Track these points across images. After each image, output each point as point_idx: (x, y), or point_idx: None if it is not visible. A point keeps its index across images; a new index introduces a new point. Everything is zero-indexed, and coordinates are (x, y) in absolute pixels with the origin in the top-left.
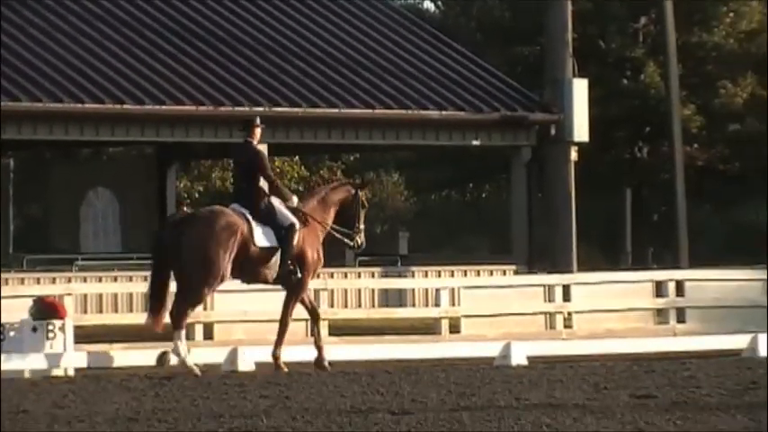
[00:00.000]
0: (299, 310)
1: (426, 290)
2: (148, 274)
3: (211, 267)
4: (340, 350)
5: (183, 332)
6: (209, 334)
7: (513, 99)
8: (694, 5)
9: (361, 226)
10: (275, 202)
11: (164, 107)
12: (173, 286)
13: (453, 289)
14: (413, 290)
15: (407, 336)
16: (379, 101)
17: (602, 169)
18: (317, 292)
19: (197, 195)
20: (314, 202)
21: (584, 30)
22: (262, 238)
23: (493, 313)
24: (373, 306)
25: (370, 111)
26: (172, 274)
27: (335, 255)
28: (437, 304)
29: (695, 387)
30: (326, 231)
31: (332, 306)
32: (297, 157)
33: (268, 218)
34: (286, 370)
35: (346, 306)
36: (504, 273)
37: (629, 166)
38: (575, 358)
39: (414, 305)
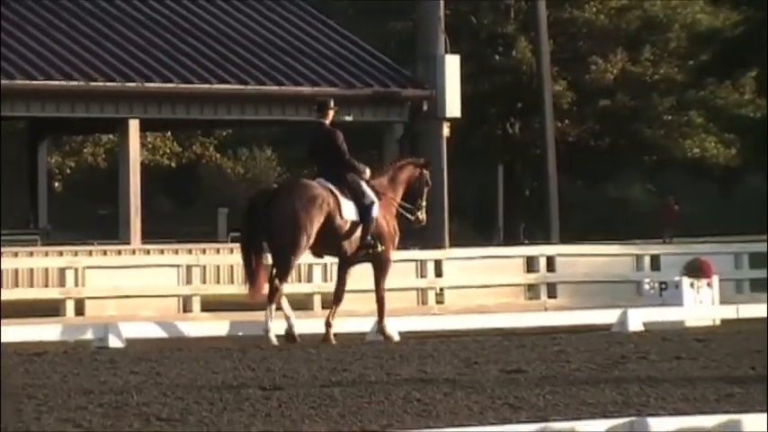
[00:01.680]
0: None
1: (299, 265)
2: (235, 246)
3: (299, 237)
4: (212, 326)
5: (274, 306)
6: (80, 310)
7: (386, 75)
8: None
9: (423, 203)
10: (358, 178)
11: (35, 82)
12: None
13: (325, 264)
14: None
15: (279, 311)
16: (251, 76)
17: (475, 145)
18: (189, 268)
19: (68, 171)
20: (385, 179)
21: (456, 6)
22: (348, 211)
23: (364, 289)
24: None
25: (243, 86)
26: (264, 244)
27: (209, 232)
28: (309, 280)
29: (565, 361)
30: (396, 208)
31: (204, 282)
32: (169, 133)
33: (353, 193)
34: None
35: (218, 282)
36: None
37: (502, 141)
38: (446, 333)
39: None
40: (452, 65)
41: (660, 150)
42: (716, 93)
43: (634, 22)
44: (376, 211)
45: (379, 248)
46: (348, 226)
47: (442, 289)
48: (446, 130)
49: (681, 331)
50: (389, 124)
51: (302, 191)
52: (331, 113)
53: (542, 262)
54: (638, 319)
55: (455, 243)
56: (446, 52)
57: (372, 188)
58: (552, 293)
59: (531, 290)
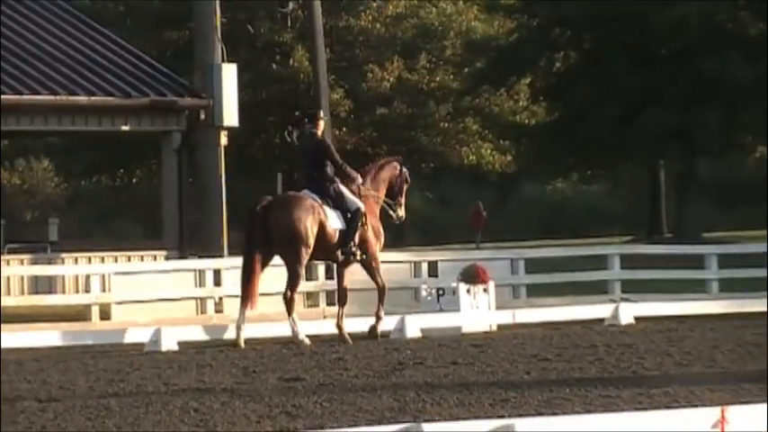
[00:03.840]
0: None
1: (77, 276)
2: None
3: (300, 249)
4: None
5: (295, 315)
6: None
7: (163, 84)
8: None
9: (403, 200)
10: (341, 186)
11: None
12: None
13: (104, 275)
14: (63, 277)
15: (57, 323)
16: (26, 86)
17: (254, 153)
18: None
19: None
20: (369, 179)
21: (233, 14)
22: (334, 220)
23: (144, 299)
24: (23, 293)
25: (17, 96)
26: (261, 257)
27: None
28: (87, 291)
29: (343, 369)
30: (380, 206)
31: None
32: None
33: (337, 202)
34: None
35: None
36: (156, 258)
37: (280, 150)
38: (225, 342)
39: (64, 292)
40: (229, 73)
41: (437, 158)
42: (491, 100)
43: (410, 31)
44: (361, 219)
45: (358, 256)
46: (337, 235)
47: (221, 298)
48: (224, 139)
49: (458, 337)
50: (167, 133)
51: (296, 203)
52: (322, 123)
53: (321, 270)
54: (415, 325)
55: (234, 252)
56: (223, 61)
57: (355, 192)
58: (331, 301)
59: (310, 297)
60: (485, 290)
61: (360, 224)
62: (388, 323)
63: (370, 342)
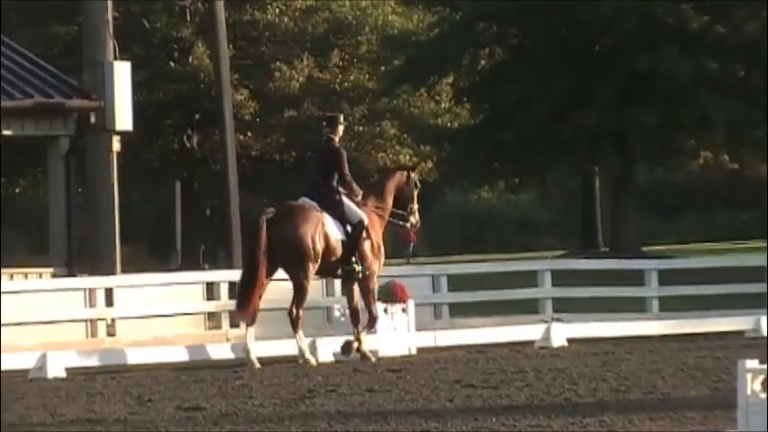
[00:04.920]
0: None
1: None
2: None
3: (306, 261)
4: None
5: (300, 332)
6: None
7: (49, 84)
8: None
9: (415, 206)
10: (344, 197)
11: None
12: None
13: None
14: None
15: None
16: None
17: (150, 160)
18: None
19: None
20: (373, 192)
21: (126, 8)
22: (336, 231)
23: (29, 321)
24: None
25: None
26: (265, 270)
27: None
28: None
29: (248, 397)
30: (386, 220)
31: None
32: None
33: (340, 212)
34: (373, 359)
35: None
36: (41, 276)
37: (179, 156)
38: (118, 368)
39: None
40: (122, 73)
41: (351, 165)
42: (410, 101)
43: (321, 26)
44: (363, 232)
45: (358, 270)
46: (340, 247)
47: (113, 320)
48: (116, 144)
49: (374, 361)
50: (54, 138)
51: (303, 215)
52: (341, 129)
53: (224, 288)
54: (327, 349)
55: (128, 269)
56: (115, 59)
57: (359, 204)
58: (235, 322)
59: (213, 319)
60: (403, 309)
61: (361, 237)
62: (294, 347)
63: (278, 367)
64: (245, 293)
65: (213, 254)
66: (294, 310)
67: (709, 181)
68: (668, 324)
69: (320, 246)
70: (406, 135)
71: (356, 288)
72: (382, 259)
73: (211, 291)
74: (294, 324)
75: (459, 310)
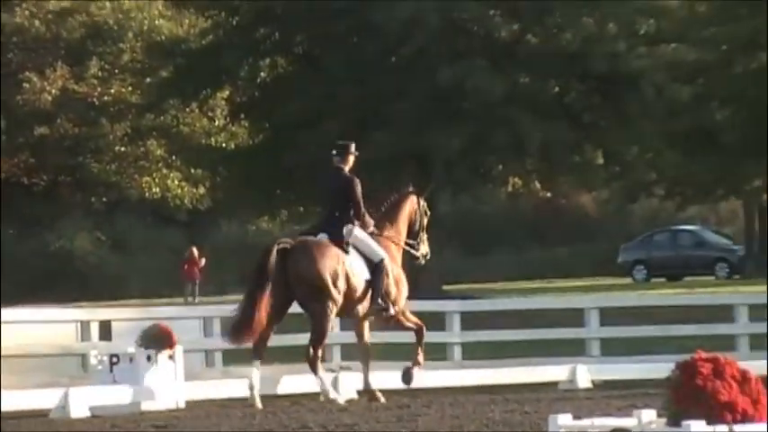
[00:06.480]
0: None
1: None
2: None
3: (327, 300)
4: None
5: (321, 371)
6: None
7: None
8: None
9: (425, 235)
10: (360, 232)
11: None
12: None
13: None
14: None
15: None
16: None
17: None
18: None
19: None
20: (387, 222)
21: None
22: (359, 270)
23: None
24: None
25: None
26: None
27: None
28: None
29: None
30: (402, 249)
31: None
32: None
33: (359, 248)
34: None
35: None
36: None
37: None
38: None
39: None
40: None
41: (111, 189)
42: (179, 118)
43: (77, 31)
44: (386, 271)
45: (392, 311)
46: (362, 286)
47: None
48: None
49: (136, 416)
50: None
51: (322, 252)
52: (351, 159)
53: None
54: (82, 401)
55: None
56: None
57: (374, 235)
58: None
59: None
60: (170, 356)
61: (385, 277)
62: (48, 398)
63: (31, 421)
64: (240, 319)
65: None
66: (311, 352)
67: (521, 211)
68: (472, 374)
69: (343, 285)
70: (174, 156)
71: (366, 325)
72: (405, 290)
73: None
74: (312, 366)
75: (233, 358)
